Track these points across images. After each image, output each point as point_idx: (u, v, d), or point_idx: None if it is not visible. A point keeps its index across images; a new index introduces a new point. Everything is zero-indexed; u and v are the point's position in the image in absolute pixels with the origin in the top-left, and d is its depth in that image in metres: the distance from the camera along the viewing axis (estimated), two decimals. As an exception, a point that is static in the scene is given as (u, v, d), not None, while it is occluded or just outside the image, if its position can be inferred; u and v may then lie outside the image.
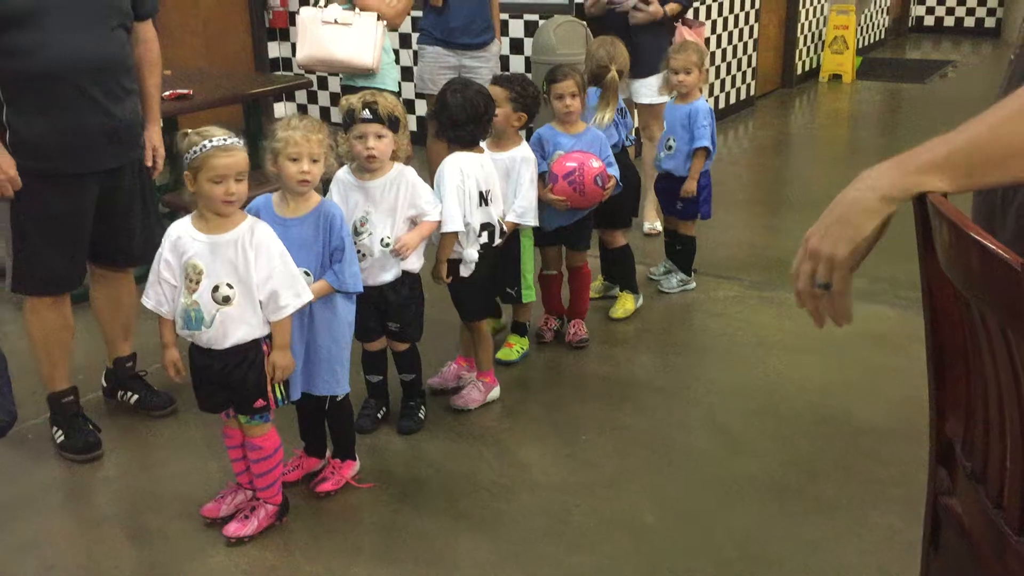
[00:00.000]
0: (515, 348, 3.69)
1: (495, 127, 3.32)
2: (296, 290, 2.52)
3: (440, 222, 3.05)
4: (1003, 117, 1.13)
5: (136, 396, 3.37)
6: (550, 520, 2.74)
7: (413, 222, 2.99)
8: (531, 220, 3.43)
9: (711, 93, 7.52)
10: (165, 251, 2.53)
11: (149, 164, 3.19)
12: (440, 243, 3.14)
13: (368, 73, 4.51)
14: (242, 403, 2.58)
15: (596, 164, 3.53)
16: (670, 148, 4.13)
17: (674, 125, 4.13)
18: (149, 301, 2.57)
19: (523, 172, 3.40)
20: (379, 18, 4.48)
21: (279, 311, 2.50)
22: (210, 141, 2.41)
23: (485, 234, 3.22)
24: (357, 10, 4.49)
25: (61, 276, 3.03)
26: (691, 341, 3.94)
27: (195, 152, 2.42)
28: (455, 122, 3.14)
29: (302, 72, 7.54)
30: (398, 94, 4.70)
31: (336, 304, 2.74)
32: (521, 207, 3.39)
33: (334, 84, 7.50)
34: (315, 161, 2.61)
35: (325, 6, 4.52)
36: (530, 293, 3.63)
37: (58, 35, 2.79)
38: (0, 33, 2.74)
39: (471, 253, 3.18)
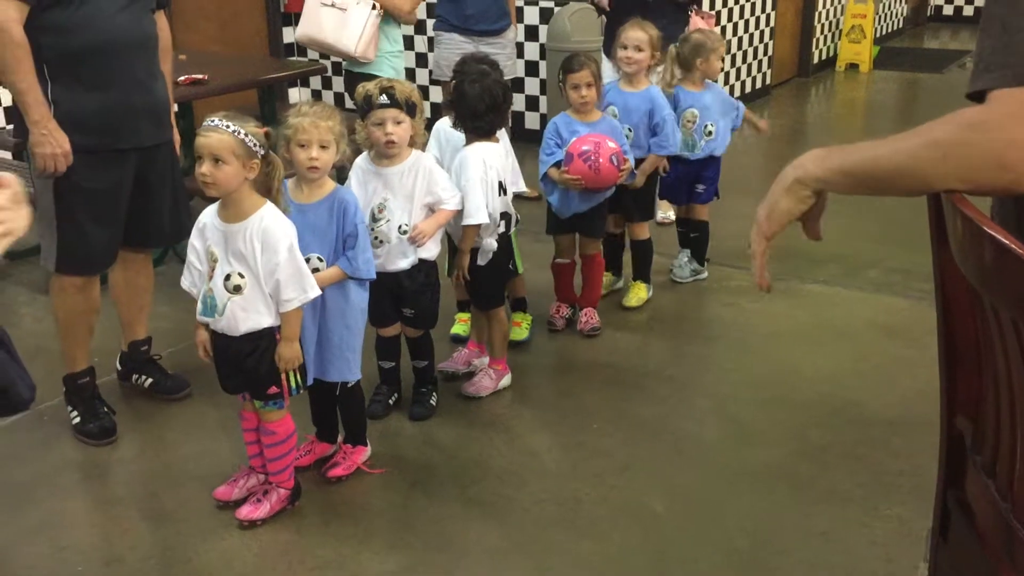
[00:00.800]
0: (524, 326, 3.71)
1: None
2: (302, 285, 2.51)
3: (456, 211, 3.04)
4: (893, 150, 1.26)
5: (151, 380, 3.39)
6: (560, 508, 2.76)
7: (431, 209, 3.00)
8: (522, 186, 3.47)
9: (726, 81, 7.49)
10: (193, 235, 2.58)
11: None
12: (464, 235, 3.14)
13: (353, 60, 4.55)
14: (256, 389, 2.60)
15: (612, 145, 3.53)
16: (710, 133, 4.12)
17: (710, 110, 4.12)
18: (185, 282, 2.62)
19: (509, 151, 3.42)
20: (374, 7, 4.49)
21: (283, 304, 2.51)
22: (206, 122, 2.45)
23: (503, 223, 3.24)
24: None
25: (101, 254, 3.08)
26: (703, 331, 3.94)
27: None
28: (475, 112, 3.13)
29: (316, 58, 7.56)
30: None
31: (349, 291, 2.75)
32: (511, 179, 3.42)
33: (349, 70, 7.50)
34: (324, 147, 2.61)
35: None
36: (520, 263, 3.61)
37: (103, 13, 2.85)
38: (47, 10, 2.78)
39: (491, 243, 3.19)
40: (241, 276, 2.49)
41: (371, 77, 3.78)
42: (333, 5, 4.50)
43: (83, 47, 2.84)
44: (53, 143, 2.82)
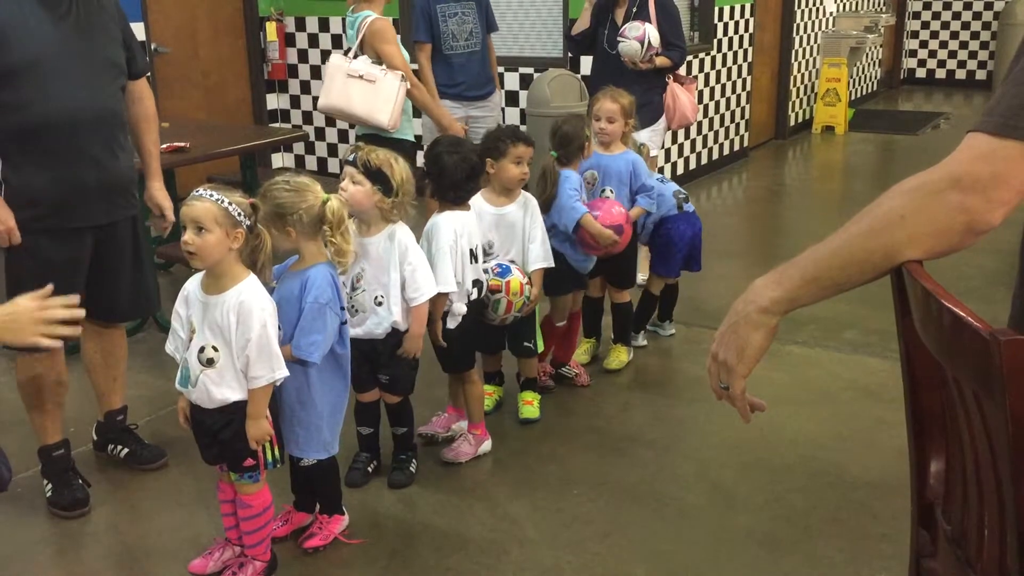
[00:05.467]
0: (535, 404, 3.65)
1: (509, 183, 3.38)
2: (271, 364, 2.47)
3: (427, 300, 3.02)
4: (845, 239, 1.27)
5: (127, 450, 3.35)
6: (540, 576, 2.73)
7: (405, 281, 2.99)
8: (551, 261, 3.50)
9: (705, 144, 7.60)
10: (178, 302, 2.56)
11: (161, 225, 3.24)
12: (433, 304, 3.15)
13: (381, 130, 4.59)
14: (232, 461, 2.58)
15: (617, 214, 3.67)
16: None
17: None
18: (169, 347, 2.59)
19: (533, 219, 3.45)
20: (403, 79, 4.55)
21: (251, 381, 2.48)
22: (195, 192, 2.46)
23: (475, 290, 3.26)
24: (384, 67, 4.54)
25: None
26: (684, 393, 3.94)
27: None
28: (455, 183, 3.16)
29: (300, 124, 7.65)
30: (416, 145, 4.80)
31: (309, 370, 2.69)
32: (541, 253, 3.46)
33: (331, 135, 7.58)
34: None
35: (354, 57, 4.57)
36: (540, 342, 3.67)
37: (57, 89, 2.81)
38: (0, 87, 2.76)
39: (460, 307, 3.20)
40: (215, 349, 2.47)
41: (386, 141, 3.89)
42: (362, 77, 4.50)
43: (35, 124, 2.80)
44: None
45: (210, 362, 2.47)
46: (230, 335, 2.45)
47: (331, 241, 2.65)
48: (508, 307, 3.36)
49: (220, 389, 2.48)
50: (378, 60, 4.56)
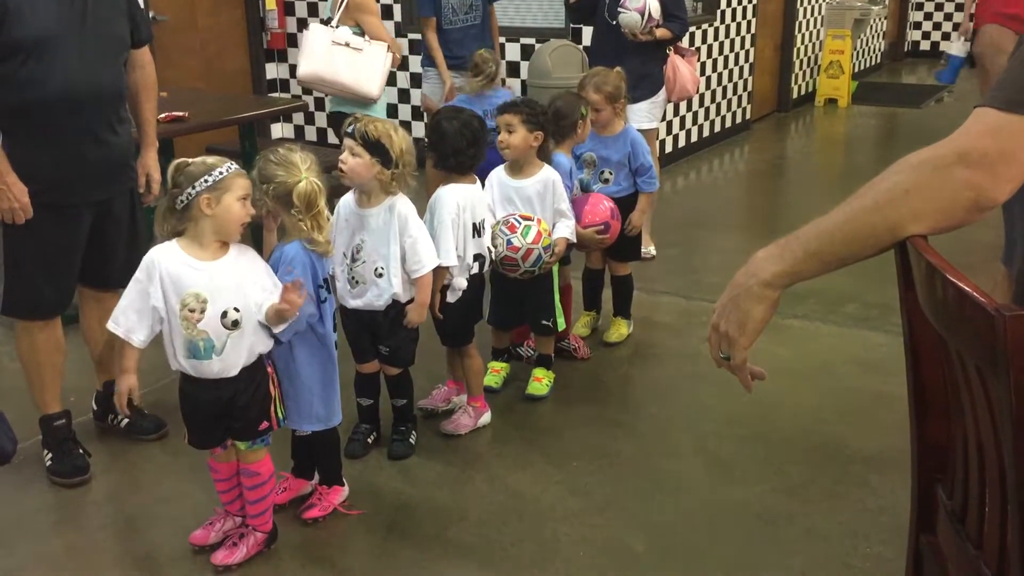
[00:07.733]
0: (544, 382, 3.63)
1: (514, 152, 3.36)
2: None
3: (431, 270, 3.00)
4: (848, 213, 1.26)
5: (126, 420, 3.35)
6: (539, 548, 2.74)
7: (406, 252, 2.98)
8: (575, 239, 3.52)
9: (707, 116, 7.55)
10: (154, 279, 2.45)
11: (142, 190, 3.19)
12: (434, 276, 3.13)
13: (365, 100, 4.54)
14: (246, 428, 2.58)
15: (604, 209, 3.67)
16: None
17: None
18: (119, 328, 2.46)
19: (558, 192, 3.43)
20: (388, 49, 4.51)
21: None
22: (231, 164, 2.47)
23: (477, 264, 3.24)
24: (367, 37, 4.50)
25: (51, 302, 3.03)
26: (684, 367, 3.94)
27: (219, 174, 2.42)
28: (456, 149, 3.14)
29: (299, 94, 7.59)
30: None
31: (293, 345, 2.68)
32: (569, 227, 3.46)
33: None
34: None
35: (336, 27, 4.52)
36: (562, 320, 3.65)
37: (62, 68, 2.80)
38: (4, 63, 2.74)
39: (461, 281, 3.19)
40: (236, 311, 2.47)
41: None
42: (347, 45, 4.44)
43: (38, 103, 2.78)
44: (11, 197, 2.78)
45: (235, 324, 2.47)
46: (246, 292, 2.49)
47: (301, 225, 2.58)
48: (537, 237, 3.31)
49: (251, 346, 2.52)
50: (359, 32, 4.52)
